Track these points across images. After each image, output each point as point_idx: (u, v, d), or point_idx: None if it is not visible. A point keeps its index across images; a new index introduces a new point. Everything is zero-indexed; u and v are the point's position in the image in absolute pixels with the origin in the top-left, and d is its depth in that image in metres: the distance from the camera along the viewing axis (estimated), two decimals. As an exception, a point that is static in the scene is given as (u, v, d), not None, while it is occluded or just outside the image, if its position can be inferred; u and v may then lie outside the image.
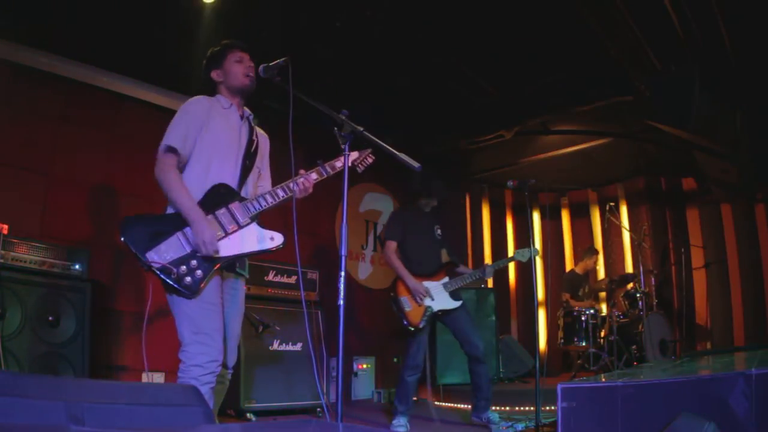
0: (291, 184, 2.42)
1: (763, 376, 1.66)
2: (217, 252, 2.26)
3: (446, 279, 3.95)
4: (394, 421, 3.82)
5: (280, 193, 2.42)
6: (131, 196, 4.39)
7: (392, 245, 3.99)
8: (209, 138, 2.38)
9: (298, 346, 4.41)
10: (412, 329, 3.80)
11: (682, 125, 4.50)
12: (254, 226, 2.38)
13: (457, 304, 3.90)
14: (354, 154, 2.60)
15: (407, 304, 3.84)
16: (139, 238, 2.18)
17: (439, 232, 4.13)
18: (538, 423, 3.21)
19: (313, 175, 2.47)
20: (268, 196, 2.40)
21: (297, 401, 4.28)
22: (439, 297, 3.88)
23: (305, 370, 4.31)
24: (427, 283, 3.88)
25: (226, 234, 2.31)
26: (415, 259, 3.97)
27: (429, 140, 6.22)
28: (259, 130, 2.64)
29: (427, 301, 3.84)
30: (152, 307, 3.38)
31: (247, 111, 2.58)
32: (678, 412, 1.70)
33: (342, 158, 2.43)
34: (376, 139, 2.15)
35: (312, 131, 4.56)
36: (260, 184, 2.61)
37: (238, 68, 2.47)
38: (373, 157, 2.64)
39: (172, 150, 2.31)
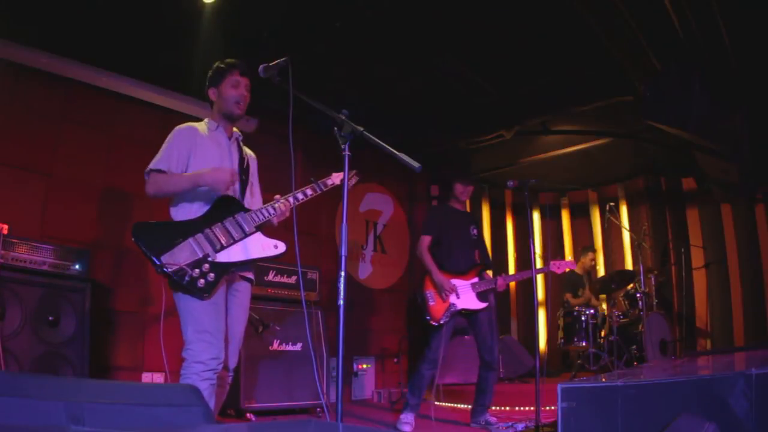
0: (291, 197, 2.56)
1: (763, 376, 1.66)
2: (236, 184, 2.46)
3: (476, 279, 3.97)
4: (402, 416, 3.83)
5: (275, 208, 2.55)
6: (131, 195, 4.39)
7: (426, 240, 4.02)
8: (200, 160, 2.49)
9: (298, 346, 4.41)
10: (434, 324, 3.82)
11: (682, 125, 4.50)
12: (259, 235, 2.50)
13: (483, 305, 3.90)
14: (339, 175, 2.71)
15: (432, 298, 3.86)
16: (153, 241, 2.26)
17: (475, 232, 4.16)
18: (538, 423, 3.21)
19: (299, 195, 2.60)
20: (270, 208, 2.53)
21: (297, 401, 4.28)
22: (465, 296, 3.89)
23: (305, 370, 4.31)
24: (455, 281, 3.90)
25: (234, 241, 2.41)
26: (448, 256, 3.99)
27: (429, 140, 6.22)
28: (247, 151, 2.74)
29: (452, 298, 3.85)
30: (154, 309, 3.39)
31: (237, 132, 2.68)
32: (678, 412, 1.70)
33: (333, 177, 2.69)
34: (376, 139, 2.14)
35: (312, 132, 4.57)
36: (252, 201, 2.71)
37: (232, 93, 2.56)
38: (359, 177, 2.82)
39: (156, 171, 2.43)
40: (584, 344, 5.86)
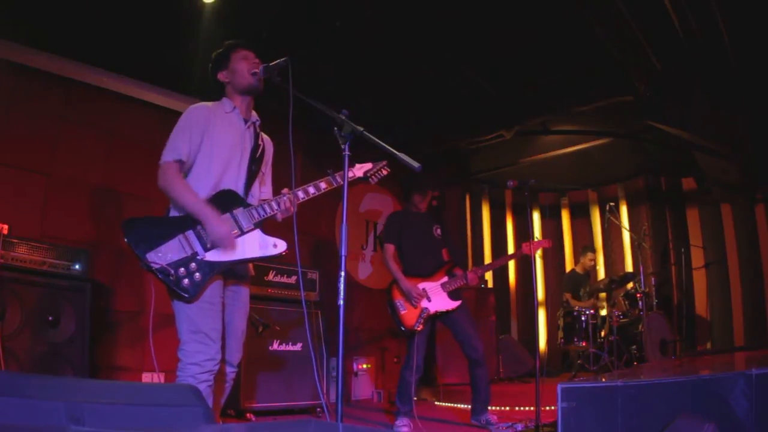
0: (301, 190, 2.43)
1: (763, 376, 1.66)
2: (234, 246, 2.28)
3: (445, 279, 3.93)
4: (397, 422, 3.82)
5: (279, 204, 2.41)
6: (131, 196, 4.39)
7: (390, 248, 4.00)
8: (211, 143, 2.36)
9: (298, 346, 4.41)
10: (407, 330, 3.79)
11: (682, 125, 4.50)
12: (257, 233, 2.37)
13: (456, 304, 3.87)
14: (368, 165, 2.63)
15: (402, 306, 3.82)
16: (141, 238, 2.19)
17: (438, 231, 4.13)
18: (538, 423, 3.21)
19: (311, 189, 2.46)
20: (273, 204, 2.39)
21: (297, 401, 4.28)
22: (436, 298, 3.86)
23: (305, 370, 4.31)
24: (424, 284, 3.87)
25: None
26: (412, 261, 3.96)
27: (429, 140, 6.22)
28: (264, 136, 2.61)
29: (423, 303, 3.82)
30: (155, 308, 3.38)
31: (254, 116, 2.55)
32: (678, 412, 1.70)
33: (353, 169, 2.50)
34: (376, 139, 2.14)
35: (312, 132, 4.56)
36: (262, 190, 2.60)
37: (244, 66, 2.43)
38: (388, 170, 2.66)
39: (173, 161, 2.31)
40: (584, 344, 5.86)
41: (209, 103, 2.45)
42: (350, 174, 2.38)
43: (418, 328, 3.78)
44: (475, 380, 3.86)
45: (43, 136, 4.09)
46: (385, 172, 2.66)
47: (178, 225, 2.26)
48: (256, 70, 2.40)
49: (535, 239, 3.96)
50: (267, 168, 2.64)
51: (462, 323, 3.87)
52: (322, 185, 2.46)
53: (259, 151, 2.51)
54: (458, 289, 3.91)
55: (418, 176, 4.03)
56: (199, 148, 2.35)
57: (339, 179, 2.45)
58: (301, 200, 2.44)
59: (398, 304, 3.83)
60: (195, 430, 1.46)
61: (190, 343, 2.21)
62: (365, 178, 2.62)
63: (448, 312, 3.87)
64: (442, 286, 3.90)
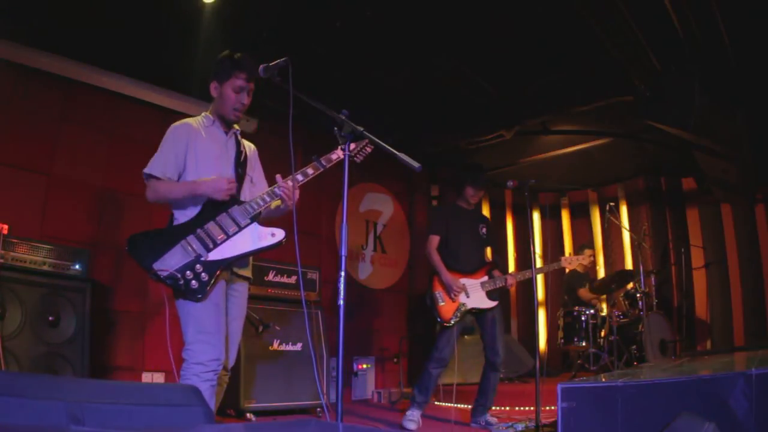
0: (285, 181, 2.48)
1: (763, 376, 1.66)
2: (234, 190, 2.39)
3: (485, 278, 3.95)
4: (408, 413, 3.83)
5: (278, 191, 2.48)
6: (131, 195, 4.39)
7: (435, 240, 4.00)
8: (196, 157, 2.47)
9: (298, 346, 4.41)
10: (442, 323, 3.82)
11: (682, 125, 4.50)
12: (254, 226, 2.44)
13: (492, 304, 3.90)
14: (351, 145, 2.63)
15: (441, 298, 3.85)
16: (146, 252, 2.28)
17: (484, 230, 4.14)
18: (538, 423, 3.21)
19: (299, 177, 2.51)
20: (266, 196, 2.47)
21: (297, 401, 4.28)
22: (474, 295, 3.89)
23: (305, 370, 4.31)
24: (464, 280, 3.89)
25: (228, 236, 2.38)
26: (456, 255, 3.98)
27: (429, 140, 6.22)
28: (245, 142, 2.71)
29: (462, 298, 3.85)
30: (153, 308, 3.40)
31: (235, 127, 2.63)
32: (678, 412, 1.70)
33: (337, 150, 2.52)
34: (377, 139, 2.15)
35: (312, 132, 4.56)
36: (254, 192, 2.65)
37: (232, 98, 2.49)
38: (372, 147, 2.67)
39: (153, 177, 2.41)
40: (584, 344, 5.85)
41: (191, 119, 2.56)
42: (333, 156, 2.54)
43: (454, 322, 3.81)
44: (486, 382, 3.89)
45: (43, 136, 4.09)
46: (368, 150, 2.65)
47: (179, 233, 2.35)
48: (239, 109, 2.50)
49: (575, 254, 4.09)
50: (255, 171, 2.72)
51: (493, 325, 3.91)
52: (309, 171, 2.54)
53: (242, 156, 2.62)
54: (496, 290, 3.94)
55: (474, 171, 4.11)
56: (184, 165, 2.46)
57: (324, 162, 2.54)
58: (296, 186, 2.49)
59: (438, 295, 3.87)
60: (195, 430, 1.46)
61: (196, 343, 2.27)
62: (351, 159, 2.63)
63: (483, 310, 3.90)
64: (482, 284, 3.92)
